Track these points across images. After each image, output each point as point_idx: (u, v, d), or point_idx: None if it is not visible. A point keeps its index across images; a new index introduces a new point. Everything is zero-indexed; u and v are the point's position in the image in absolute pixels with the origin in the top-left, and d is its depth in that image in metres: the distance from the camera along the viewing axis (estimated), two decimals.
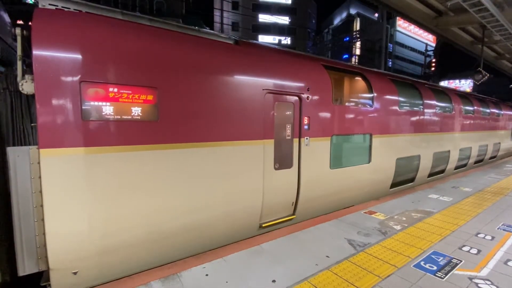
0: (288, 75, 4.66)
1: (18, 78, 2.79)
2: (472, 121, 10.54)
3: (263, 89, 4.24)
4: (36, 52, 2.66)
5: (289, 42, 40.95)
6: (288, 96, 4.63)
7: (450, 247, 3.78)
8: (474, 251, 3.70)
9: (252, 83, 4.13)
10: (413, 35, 52.02)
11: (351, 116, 5.75)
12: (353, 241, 3.94)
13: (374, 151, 6.19)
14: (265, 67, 4.38)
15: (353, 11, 48.80)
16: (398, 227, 4.46)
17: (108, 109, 2.99)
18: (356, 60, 39.13)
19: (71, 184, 2.86)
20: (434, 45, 39.94)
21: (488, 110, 12.04)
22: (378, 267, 3.24)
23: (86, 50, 2.88)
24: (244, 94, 4.03)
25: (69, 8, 3.12)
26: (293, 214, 4.93)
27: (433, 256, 3.53)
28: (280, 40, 40.81)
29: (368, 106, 6.20)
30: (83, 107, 2.86)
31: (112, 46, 3.06)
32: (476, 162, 11.68)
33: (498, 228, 4.48)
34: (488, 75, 12.85)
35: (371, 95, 6.19)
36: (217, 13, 38.36)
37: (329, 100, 5.23)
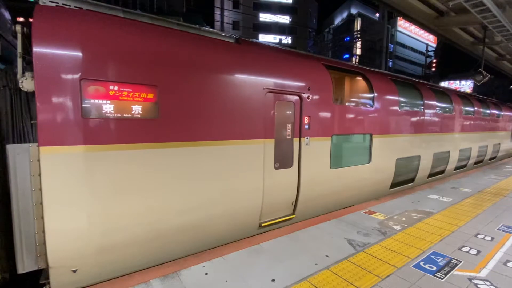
0: (289, 75, 4.65)
1: (18, 76, 2.78)
2: (472, 122, 10.54)
3: (263, 88, 4.23)
4: (36, 49, 2.65)
5: (289, 42, 40.88)
6: (288, 96, 4.62)
7: (449, 248, 3.78)
8: (473, 251, 3.70)
9: (253, 82, 4.12)
10: (414, 36, 51.94)
11: (352, 116, 5.74)
12: (352, 241, 3.94)
13: (374, 151, 6.19)
14: (266, 66, 4.37)
15: (354, 10, 48.67)
16: (398, 227, 4.46)
17: (108, 107, 2.99)
18: (357, 60, 39.05)
19: (71, 182, 2.85)
20: (434, 45, 39.86)
21: (488, 111, 12.04)
22: (378, 267, 3.24)
23: (86, 47, 2.87)
24: (244, 93, 4.02)
25: (70, 6, 3.10)
26: (293, 213, 4.93)
27: (432, 256, 3.54)
28: (280, 39, 40.71)
29: (369, 106, 6.19)
30: (83, 105, 2.85)
31: (112, 44, 3.05)
32: (476, 163, 11.69)
33: (497, 229, 4.48)
34: (489, 76, 12.85)
35: (372, 95, 6.18)
36: (218, 12, 38.31)
37: (330, 100, 5.22)
